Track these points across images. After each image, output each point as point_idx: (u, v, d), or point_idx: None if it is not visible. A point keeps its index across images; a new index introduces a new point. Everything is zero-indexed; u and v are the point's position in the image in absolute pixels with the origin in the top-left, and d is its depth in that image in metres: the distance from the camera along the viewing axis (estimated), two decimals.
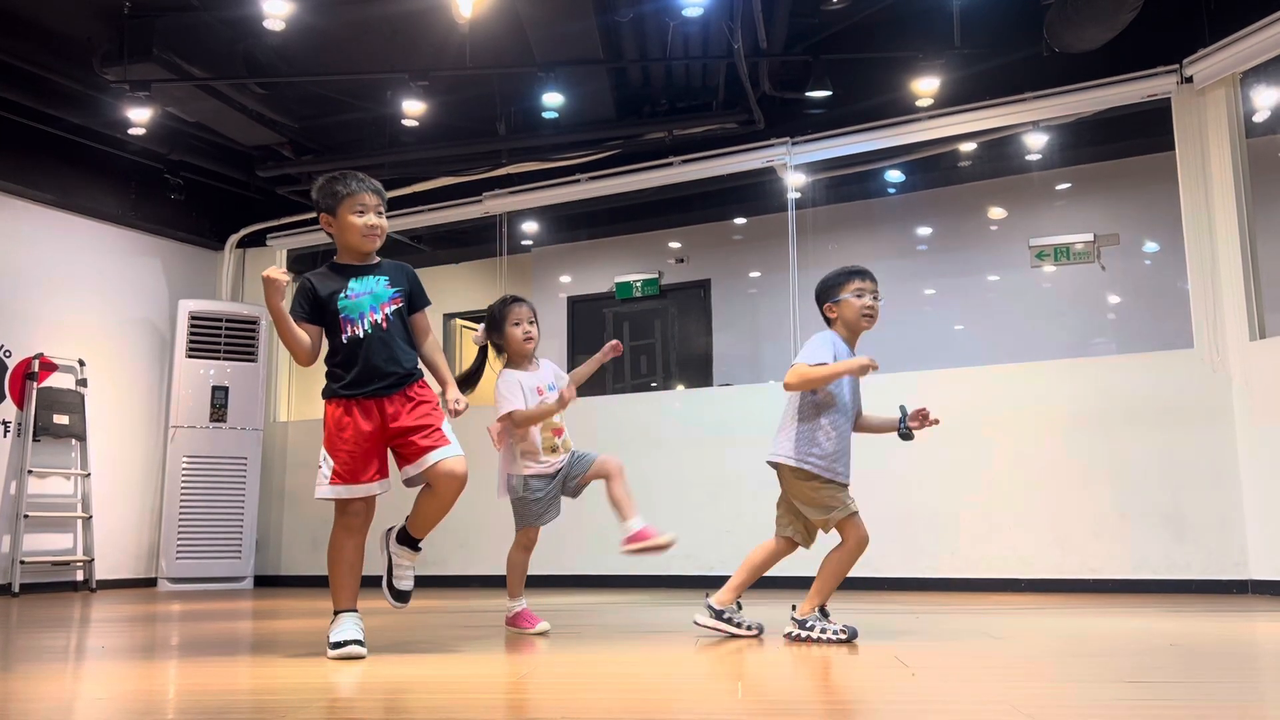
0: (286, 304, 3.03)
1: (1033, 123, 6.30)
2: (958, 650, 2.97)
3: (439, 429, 3.09)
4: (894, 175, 7.56)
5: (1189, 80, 5.60)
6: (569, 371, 3.85)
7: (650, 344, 8.71)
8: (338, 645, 2.93)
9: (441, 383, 3.21)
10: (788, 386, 3.33)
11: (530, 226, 8.62)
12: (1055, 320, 7.38)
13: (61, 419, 7.09)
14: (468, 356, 9.94)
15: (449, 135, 7.31)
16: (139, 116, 6.58)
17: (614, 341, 3.83)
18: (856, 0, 6.20)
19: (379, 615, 4.67)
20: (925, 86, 6.18)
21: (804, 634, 3.21)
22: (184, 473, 7.55)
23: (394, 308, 3.12)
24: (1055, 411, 5.73)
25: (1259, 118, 6.04)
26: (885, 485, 6.01)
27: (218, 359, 7.78)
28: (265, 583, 7.83)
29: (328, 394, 3.11)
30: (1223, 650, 2.97)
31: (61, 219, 7.36)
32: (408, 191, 7.80)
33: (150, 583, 7.59)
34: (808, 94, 6.45)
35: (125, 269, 7.80)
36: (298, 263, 8.85)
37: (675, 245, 8.85)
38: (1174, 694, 2.20)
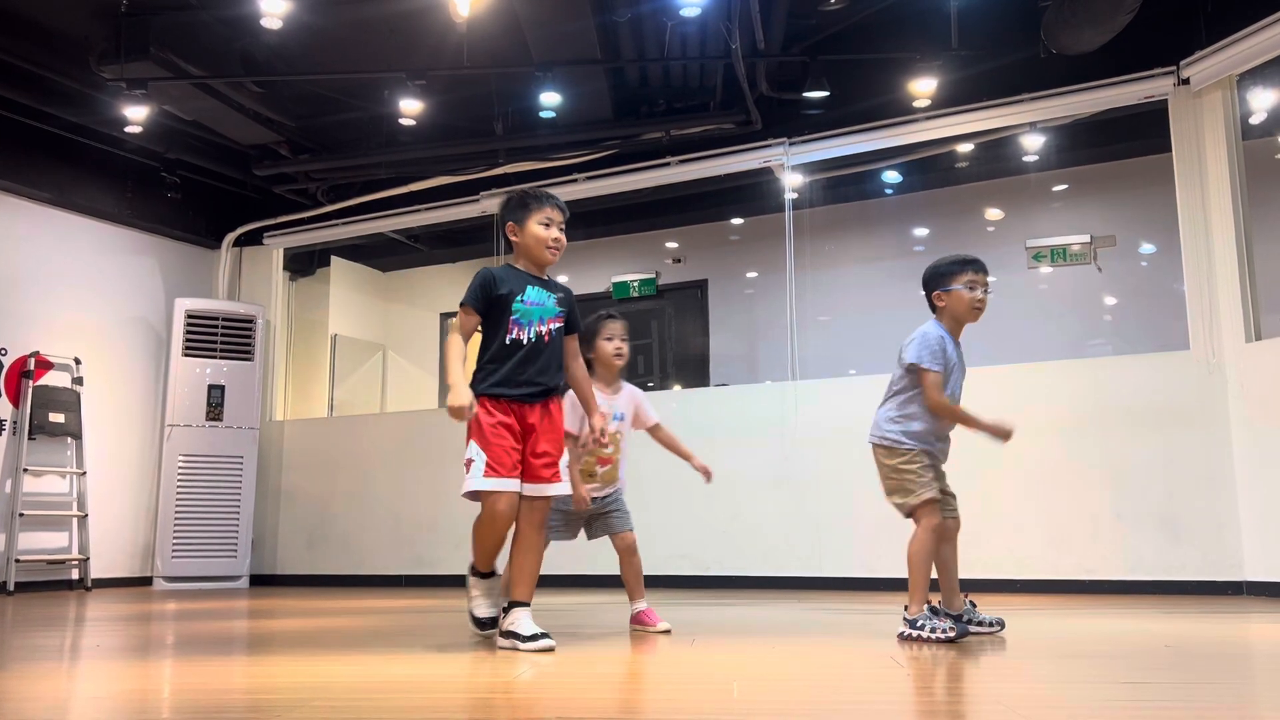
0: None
1: (1030, 124, 6.31)
2: (953, 651, 2.97)
3: (558, 463, 3.19)
4: (891, 176, 7.57)
5: (1186, 82, 5.60)
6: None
7: (647, 344, 8.72)
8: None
9: (587, 409, 3.34)
10: (933, 407, 3.30)
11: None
12: (1052, 321, 7.39)
13: (57, 417, 7.08)
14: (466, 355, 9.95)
15: (446, 134, 7.30)
16: (136, 115, 6.57)
17: (705, 470, 3.86)
18: (854, 1, 6.20)
19: (374, 615, 4.67)
20: (922, 87, 6.18)
21: (913, 633, 3.18)
22: (180, 471, 7.54)
23: (557, 325, 3.24)
24: (1052, 413, 5.73)
25: (1255, 120, 6.05)
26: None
27: (214, 357, 7.77)
28: (261, 582, 7.82)
29: (479, 391, 3.14)
30: (1217, 651, 2.98)
31: (58, 217, 7.35)
32: (404, 190, 7.80)
33: (146, 581, 7.59)
34: (805, 95, 6.45)
35: (122, 267, 7.79)
36: (294, 261, 8.85)
37: (672, 245, 8.85)
38: (1169, 695, 2.20)
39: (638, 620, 3.68)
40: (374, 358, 9.53)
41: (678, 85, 7.01)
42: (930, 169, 7.42)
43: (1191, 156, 5.59)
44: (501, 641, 3.12)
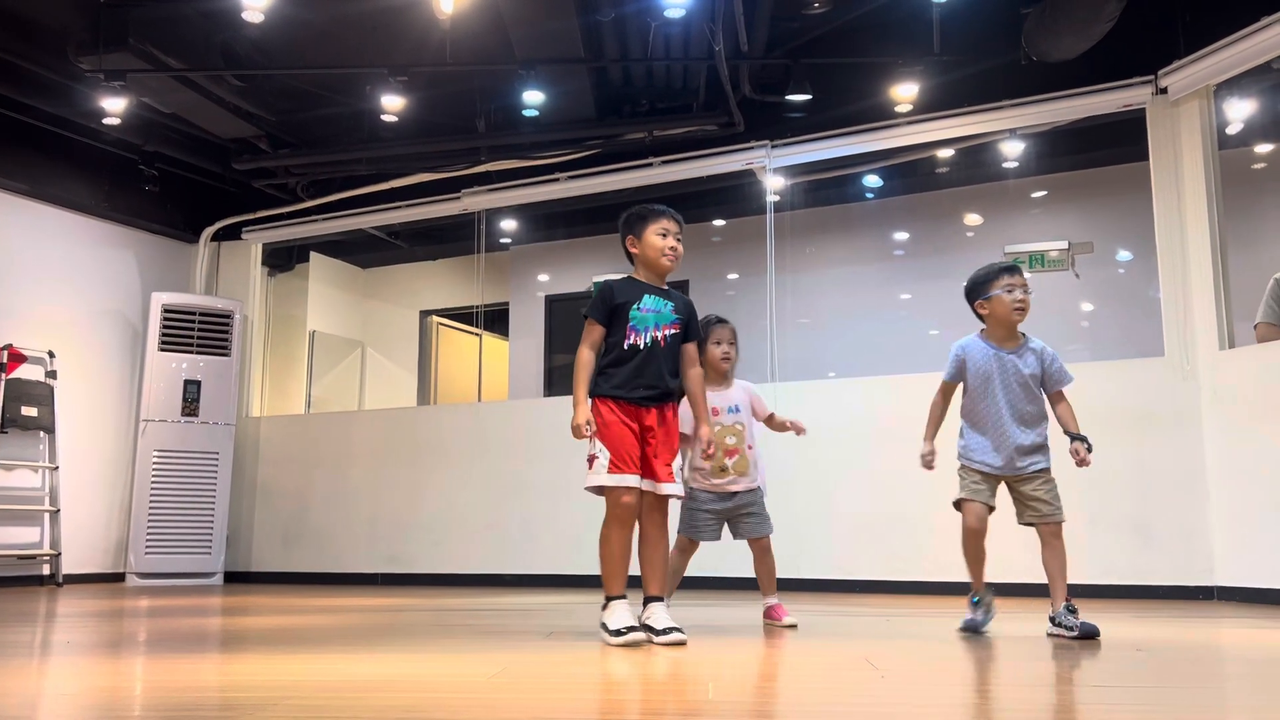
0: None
1: (1010, 130, 6.35)
2: (928, 653, 2.98)
3: (671, 465, 3.33)
4: (872, 180, 7.60)
5: (1164, 91, 5.66)
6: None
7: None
8: (618, 633, 3.11)
9: (697, 417, 3.45)
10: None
11: (509, 224, 8.60)
12: (1029, 327, 7.40)
13: (30, 411, 7.00)
14: (444, 354, 9.93)
15: (428, 131, 7.28)
16: (114, 107, 6.51)
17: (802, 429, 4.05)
18: (837, 5, 6.22)
19: (349, 614, 4.65)
20: (904, 92, 6.21)
21: (1054, 630, 3.40)
22: (154, 467, 7.49)
23: (673, 332, 3.41)
24: None
25: (1232, 130, 6.12)
26: (859, 488, 6.04)
27: (190, 352, 7.71)
28: (235, 579, 7.77)
29: (599, 393, 3.33)
30: (1187, 655, 3.01)
31: (34, 209, 7.28)
32: (385, 187, 7.77)
33: (118, 578, 7.52)
34: (788, 97, 6.47)
35: (98, 260, 7.72)
36: (273, 256, 8.80)
37: None
38: (1138, 698, 2.22)
39: (768, 615, 3.90)
40: (352, 355, 9.49)
41: (661, 86, 7.01)
42: (911, 174, 7.46)
43: (1168, 165, 5.64)
44: (660, 638, 3.17)
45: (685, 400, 3.56)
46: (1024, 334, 3.59)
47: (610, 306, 3.39)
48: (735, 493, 3.87)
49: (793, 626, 3.76)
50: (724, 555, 6.28)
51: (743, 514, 3.90)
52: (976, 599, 3.49)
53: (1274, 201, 6.56)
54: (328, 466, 7.80)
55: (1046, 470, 3.49)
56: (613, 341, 3.37)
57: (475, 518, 7.06)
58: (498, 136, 7.24)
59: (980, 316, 3.60)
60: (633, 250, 3.53)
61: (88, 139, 7.40)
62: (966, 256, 7.86)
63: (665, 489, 3.29)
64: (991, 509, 3.48)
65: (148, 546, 7.38)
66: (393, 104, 6.51)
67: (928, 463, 3.52)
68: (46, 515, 7.13)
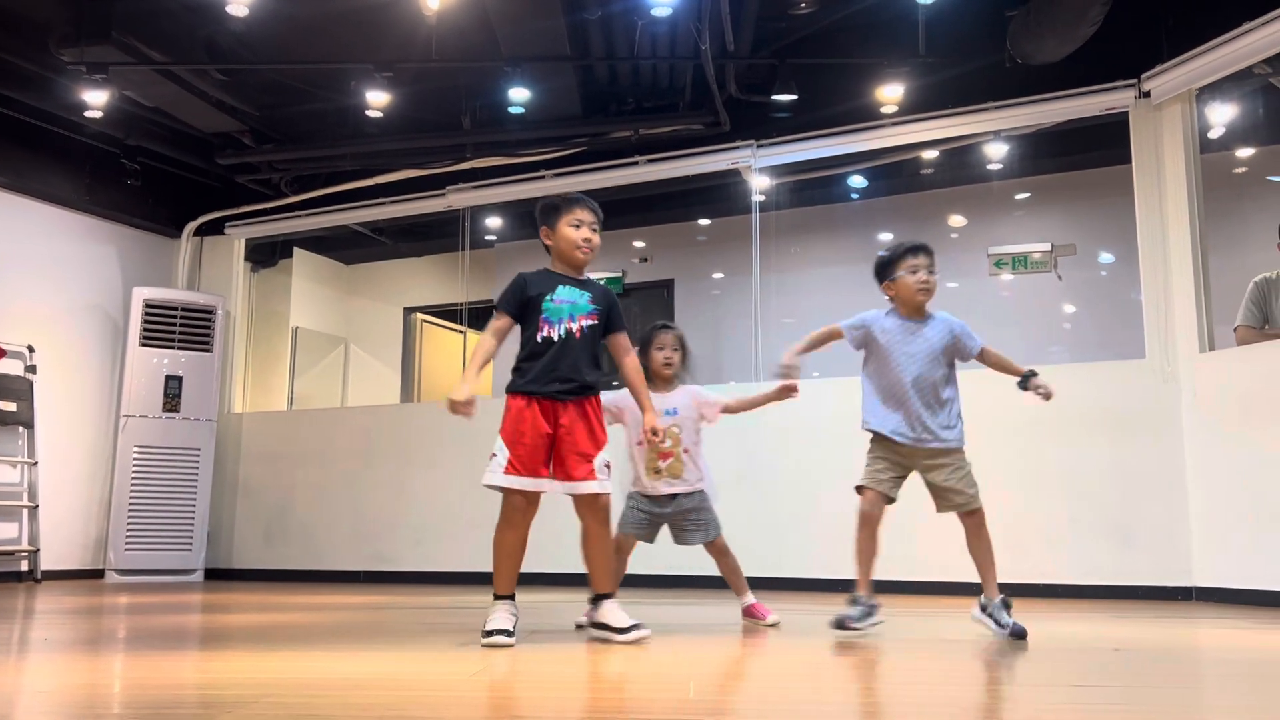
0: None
1: (994, 132, 6.38)
2: (908, 652, 3.00)
3: (593, 463, 3.23)
4: (857, 181, 7.62)
5: (1146, 95, 5.69)
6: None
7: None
8: (487, 634, 3.08)
9: (641, 407, 3.41)
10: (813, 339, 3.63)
11: (494, 221, 8.58)
12: (1012, 328, 7.48)
13: (9, 406, 6.94)
14: (428, 351, 9.89)
15: (413, 128, 7.25)
16: (96, 100, 6.46)
17: (792, 383, 3.79)
18: (823, 6, 6.24)
19: (331, 611, 4.63)
20: (889, 93, 6.23)
21: (980, 617, 3.42)
22: (135, 463, 7.43)
23: (590, 323, 3.32)
24: (1009, 418, 5.79)
25: (1213, 134, 6.16)
26: (843, 487, 6.05)
27: (172, 348, 7.67)
28: (216, 576, 7.73)
29: (512, 388, 3.28)
30: (1166, 655, 3.03)
31: (13, 202, 7.21)
32: (370, 183, 7.73)
33: (98, 574, 7.46)
34: (773, 98, 6.48)
35: (79, 254, 7.66)
36: (256, 252, 8.75)
37: (639, 245, 8.86)
38: (1116, 698, 2.23)
39: (747, 614, 3.89)
40: (335, 351, 9.45)
41: (647, 85, 7.01)
42: (895, 174, 7.48)
43: (1151, 168, 5.68)
44: (594, 633, 3.25)
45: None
46: (930, 311, 3.56)
47: (522, 299, 3.32)
48: (672, 495, 3.83)
49: (775, 625, 3.76)
50: (705, 553, 6.29)
51: (684, 519, 3.86)
52: (858, 598, 3.37)
53: (1254, 205, 6.62)
54: (310, 463, 7.76)
55: (958, 453, 3.44)
56: (527, 335, 3.30)
57: (458, 515, 7.03)
58: (483, 133, 7.23)
59: (889, 298, 3.57)
60: (547, 242, 3.46)
61: (69, 132, 7.34)
62: (951, 258, 7.90)
63: (581, 488, 3.21)
64: (890, 500, 3.42)
65: (128, 543, 7.33)
66: (378, 100, 6.48)
67: (786, 372, 3.53)
68: (25, 511, 7.07)
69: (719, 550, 3.93)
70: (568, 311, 3.30)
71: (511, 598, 3.26)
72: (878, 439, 3.47)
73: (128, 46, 6.12)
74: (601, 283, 3.47)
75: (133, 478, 7.41)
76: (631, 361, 3.44)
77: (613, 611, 3.21)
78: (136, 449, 7.45)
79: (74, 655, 2.96)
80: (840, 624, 3.30)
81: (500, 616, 3.15)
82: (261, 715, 1.91)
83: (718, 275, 8.58)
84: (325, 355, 9.31)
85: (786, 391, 3.80)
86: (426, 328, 9.82)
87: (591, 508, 3.27)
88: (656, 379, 3.91)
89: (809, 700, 2.22)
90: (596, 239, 3.41)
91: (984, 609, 3.39)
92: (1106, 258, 7.36)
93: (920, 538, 5.85)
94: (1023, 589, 5.56)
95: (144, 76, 6.50)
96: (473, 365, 3.23)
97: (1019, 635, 3.23)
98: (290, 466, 7.84)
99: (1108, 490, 5.48)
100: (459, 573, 6.98)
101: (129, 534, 7.34)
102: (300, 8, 6.05)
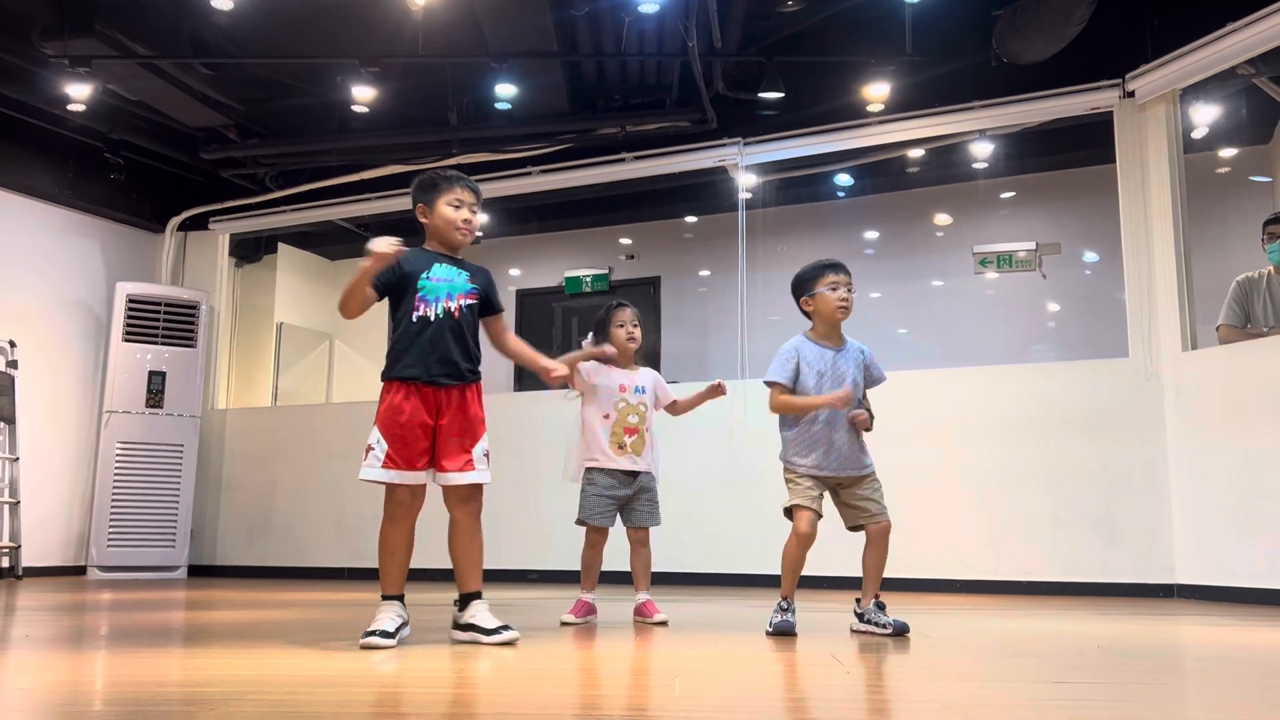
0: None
1: (979, 131, 6.41)
2: (893, 650, 3.01)
3: (472, 455, 3.11)
4: (843, 179, 7.64)
5: (1131, 95, 5.72)
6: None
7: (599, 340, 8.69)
8: (366, 634, 2.93)
9: (533, 362, 3.31)
10: (773, 410, 3.53)
11: (480, 217, 8.55)
12: (996, 326, 7.51)
13: None
14: None
15: (399, 123, 7.23)
16: (78, 93, 6.41)
17: (718, 382, 3.97)
18: (811, 4, 6.25)
19: (315, 608, 4.61)
20: (876, 92, 6.25)
21: (861, 626, 3.39)
22: (118, 459, 7.39)
23: (469, 302, 3.17)
24: (994, 416, 5.83)
25: (1197, 134, 6.20)
26: None
27: (155, 343, 7.62)
28: (199, 573, 7.69)
29: (387, 375, 3.12)
30: (1147, 652, 3.05)
31: None
32: (355, 179, 7.70)
33: (80, 571, 7.42)
34: (760, 95, 6.49)
35: (61, 249, 7.60)
36: (240, 247, 8.71)
37: (626, 241, 8.85)
38: (1099, 694, 2.25)
39: (638, 611, 3.85)
40: (320, 347, 9.40)
41: (634, 81, 7.01)
42: (881, 173, 7.50)
43: (1135, 168, 5.71)
44: (459, 635, 3.11)
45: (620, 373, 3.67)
46: (844, 335, 3.57)
47: (391, 276, 3.10)
48: (636, 474, 3.84)
49: (663, 624, 3.72)
50: (689, 549, 6.30)
51: (638, 499, 3.86)
52: (787, 604, 3.37)
53: (1237, 205, 6.66)
54: (294, 460, 7.73)
55: (874, 473, 3.46)
56: (400, 315, 3.13)
57: (443, 513, 6.98)
58: (470, 129, 7.21)
59: (806, 314, 3.56)
60: (423, 220, 3.27)
61: (52, 126, 7.28)
62: (936, 256, 7.94)
63: (459, 479, 3.07)
64: (820, 515, 3.42)
65: (110, 540, 7.29)
66: (364, 95, 6.46)
67: (853, 418, 3.43)
68: (6, 507, 7.02)
69: (642, 540, 3.90)
70: (445, 290, 3.13)
71: (399, 598, 3.13)
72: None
73: (111, 39, 6.08)
74: (478, 265, 3.31)
75: (115, 474, 7.37)
76: (514, 336, 3.37)
77: (481, 613, 3.09)
78: (119, 445, 7.40)
79: (56, 652, 2.93)
80: (778, 630, 3.30)
81: (383, 618, 3.01)
82: (244, 712, 1.90)
83: (704, 273, 8.59)
84: (310, 351, 9.26)
85: (714, 391, 3.95)
86: None
87: (466, 500, 3.14)
88: (623, 356, 3.91)
89: (795, 697, 2.23)
90: (476, 220, 3.27)
91: (862, 617, 3.38)
92: (1090, 257, 7.40)
93: (903, 535, 5.88)
94: (1006, 586, 5.59)
95: (128, 70, 6.45)
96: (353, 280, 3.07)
97: (901, 631, 3.25)
98: (274, 463, 7.81)
99: (1091, 488, 5.51)
100: (443, 569, 6.95)
101: (111, 531, 7.30)
102: (286, 2, 6.02)
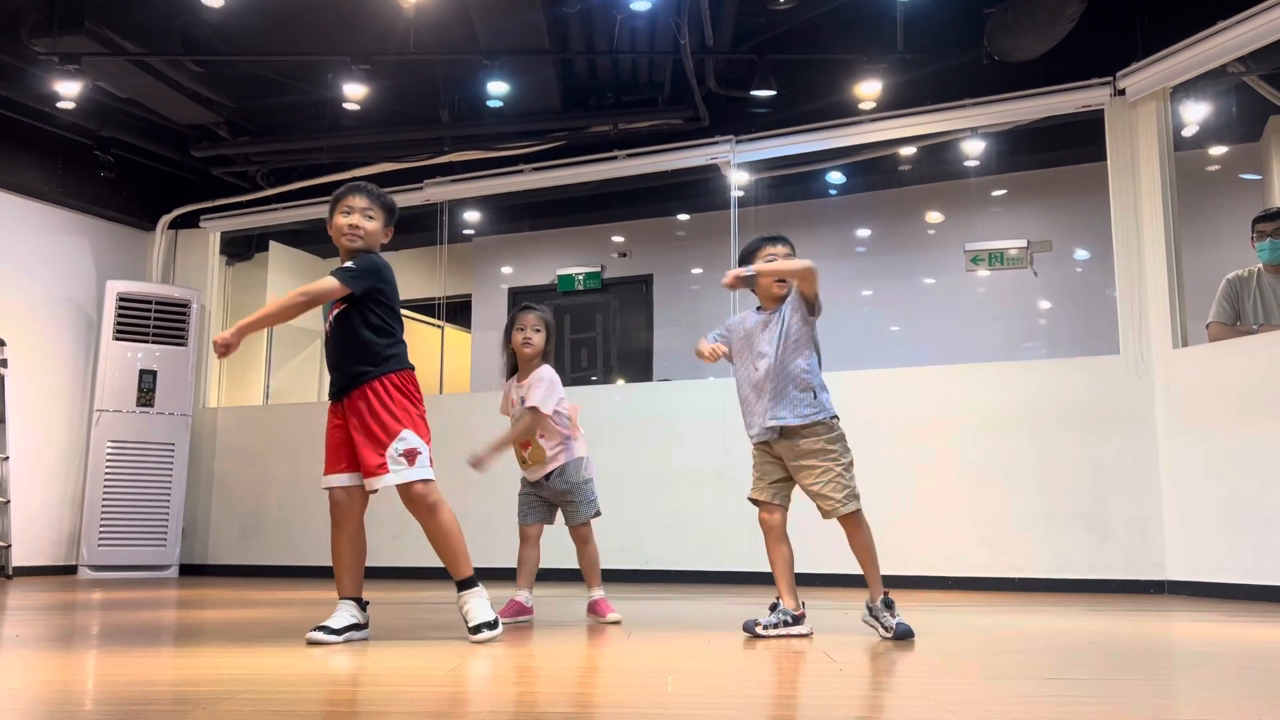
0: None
1: (971, 129, 6.42)
2: (885, 646, 3.01)
3: (384, 455, 3.11)
4: (835, 177, 7.65)
5: (1122, 93, 5.74)
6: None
7: (591, 337, 8.70)
8: (314, 629, 3.09)
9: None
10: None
11: (472, 215, 8.55)
12: (988, 324, 7.53)
13: None
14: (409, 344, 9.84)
15: (391, 120, 7.21)
16: (68, 90, 6.38)
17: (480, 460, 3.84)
18: (803, 1, 6.25)
19: (306, 607, 4.60)
20: (868, 89, 6.25)
21: (869, 620, 3.35)
22: (108, 458, 7.36)
23: (338, 310, 3.17)
24: (985, 413, 5.84)
25: (1187, 132, 6.22)
26: None
27: (146, 342, 7.59)
28: (191, 572, 7.67)
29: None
30: (1138, 648, 3.06)
31: None
32: (347, 176, 7.67)
33: (70, 570, 7.39)
34: (753, 93, 6.49)
35: (51, 247, 7.57)
36: (232, 245, 8.68)
37: (618, 239, 8.85)
38: (1090, 690, 2.25)
39: (590, 609, 3.84)
40: (312, 345, 9.38)
41: (626, 79, 7.01)
42: (873, 171, 7.51)
43: (1126, 166, 5.73)
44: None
45: None
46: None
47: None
48: (546, 476, 3.85)
49: (616, 623, 3.70)
50: (684, 548, 6.31)
51: (564, 499, 3.88)
52: (778, 603, 3.33)
53: (1227, 203, 6.69)
54: (286, 458, 7.71)
55: (818, 448, 3.34)
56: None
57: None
58: (462, 127, 7.20)
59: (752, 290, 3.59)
60: (331, 233, 3.31)
61: (41, 123, 7.26)
62: (928, 254, 7.95)
63: (373, 483, 3.15)
64: (780, 506, 3.39)
65: (101, 539, 7.26)
66: (355, 92, 6.44)
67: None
68: None
69: (583, 537, 3.89)
70: (329, 304, 3.18)
71: (354, 599, 3.23)
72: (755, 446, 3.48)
73: (101, 36, 6.05)
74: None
75: (106, 473, 7.34)
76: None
77: (468, 604, 3.20)
78: (110, 444, 7.38)
79: (46, 652, 2.92)
80: (748, 627, 3.30)
81: (335, 615, 3.16)
82: (236, 711, 1.89)
83: (697, 270, 8.59)
84: (302, 350, 9.24)
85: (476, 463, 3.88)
86: (407, 322, 9.77)
87: (407, 501, 3.19)
88: (520, 361, 3.91)
89: (787, 695, 2.23)
90: (369, 225, 3.22)
91: (870, 611, 3.32)
92: (1082, 254, 7.42)
93: (893, 532, 5.89)
94: (997, 583, 5.60)
95: (118, 67, 6.42)
96: (259, 314, 3.12)
97: (905, 636, 3.16)
98: (266, 461, 7.79)
99: (1082, 485, 5.53)
100: (436, 568, 6.94)
101: (102, 530, 7.27)
102: None
